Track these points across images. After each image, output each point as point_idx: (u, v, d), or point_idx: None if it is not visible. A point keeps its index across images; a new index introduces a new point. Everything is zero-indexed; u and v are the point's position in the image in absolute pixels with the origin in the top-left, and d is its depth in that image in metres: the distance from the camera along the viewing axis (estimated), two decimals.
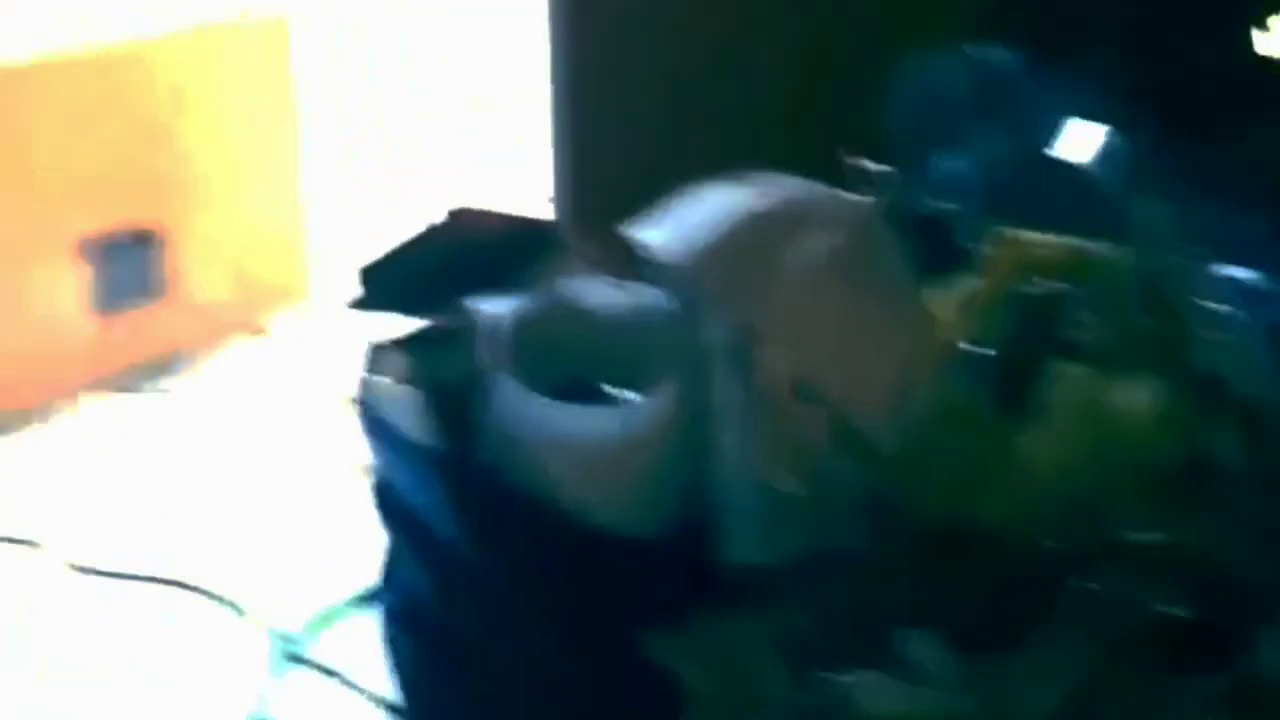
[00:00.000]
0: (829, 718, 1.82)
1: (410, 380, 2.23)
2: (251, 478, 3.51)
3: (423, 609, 2.25)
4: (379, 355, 2.29)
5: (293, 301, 4.36)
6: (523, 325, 2.17)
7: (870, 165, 2.21)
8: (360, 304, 2.39)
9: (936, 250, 2.23)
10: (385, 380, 2.24)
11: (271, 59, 4.32)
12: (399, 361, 2.26)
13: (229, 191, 4.21)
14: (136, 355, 3.98)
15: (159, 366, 4.00)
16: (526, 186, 3.97)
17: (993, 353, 2.10)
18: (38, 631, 2.93)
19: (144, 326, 4.01)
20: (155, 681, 2.79)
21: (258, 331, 4.24)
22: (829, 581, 1.98)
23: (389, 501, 2.27)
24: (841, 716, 1.82)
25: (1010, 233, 2.21)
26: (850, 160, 2.23)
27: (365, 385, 2.25)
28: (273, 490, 3.46)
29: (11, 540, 3.20)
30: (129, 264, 3.98)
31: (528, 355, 2.15)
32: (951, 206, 2.36)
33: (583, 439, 2.10)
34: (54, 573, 3.12)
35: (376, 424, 2.21)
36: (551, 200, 3.23)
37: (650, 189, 2.27)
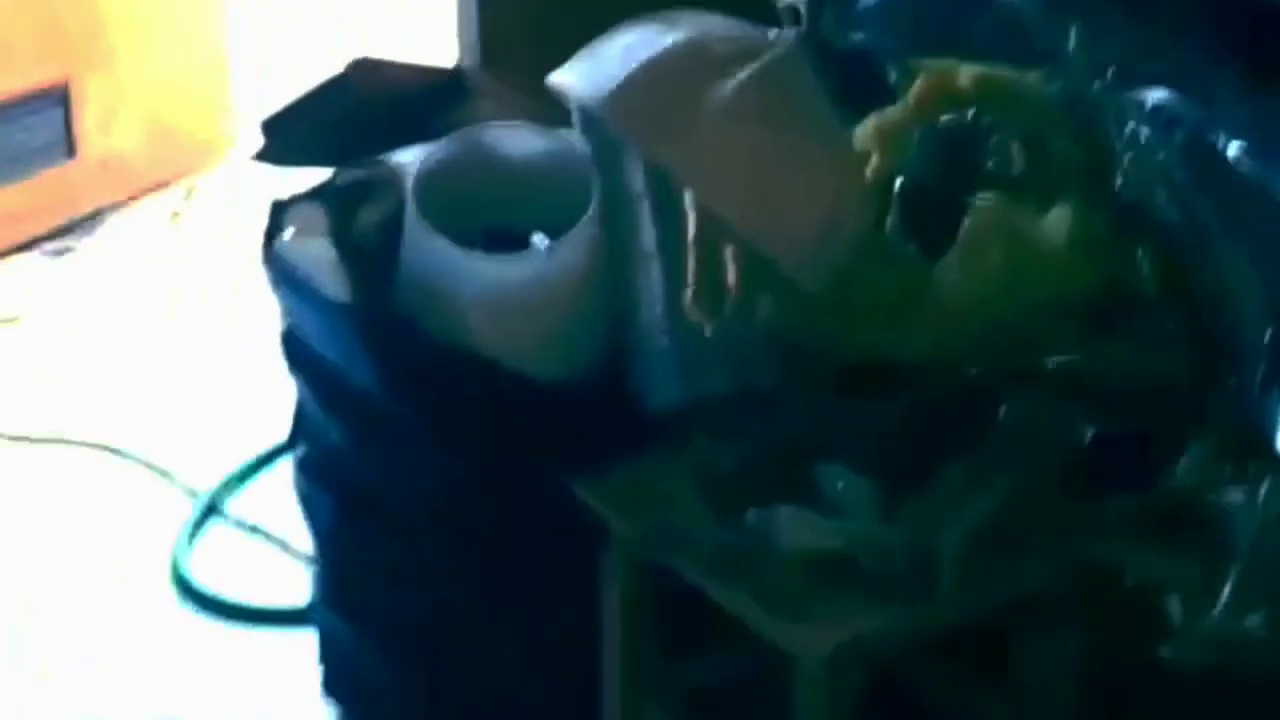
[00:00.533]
0: (750, 554, 1.81)
1: (323, 232, 2.18)
2: (171, 336, 3.46)
3: (335, 460, 2.23)
4: (289, 208, 2.24)
5: (217, 157, 4.26)
6: (436, 173, 2.12)
7: None
8: (263, 156, 2.33)
9: (859, 83, 2.19)
10: (296, 233, 2.19)
11: None
12: (311, 214, 2.22)
13: (145, 43, 4.08)
14: (50, 219, 3.88)
15: (74, 228, 3.91)
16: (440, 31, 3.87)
17: (913, 185, 2.07)
18: None
19: (56, 188, 3.91)
20: (74, 542, 2.78)
21: (176, 185, 4.15)
22: (748, 420, 1.97)
23: (300, 353, 2.23)
24: (763, 554, 1.81)
25: (932, 63, 2.17)
26: None
27: (275, 238, 2.20)
28: (193, 348, 3.41)
29: None
30: (37, 125, 3.87)
31: (443, 203, 2.09)
32: (874, 38, 2.32)
33: (499, 285, 2.06)
34: None
35: (287, 276, 2.17)
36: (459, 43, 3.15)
37: (562, 31, 2.21)
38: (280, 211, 2.22)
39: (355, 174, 2.23)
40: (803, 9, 2.19)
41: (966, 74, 1.98)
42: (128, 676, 2.50)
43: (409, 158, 2.19)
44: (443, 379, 2.05)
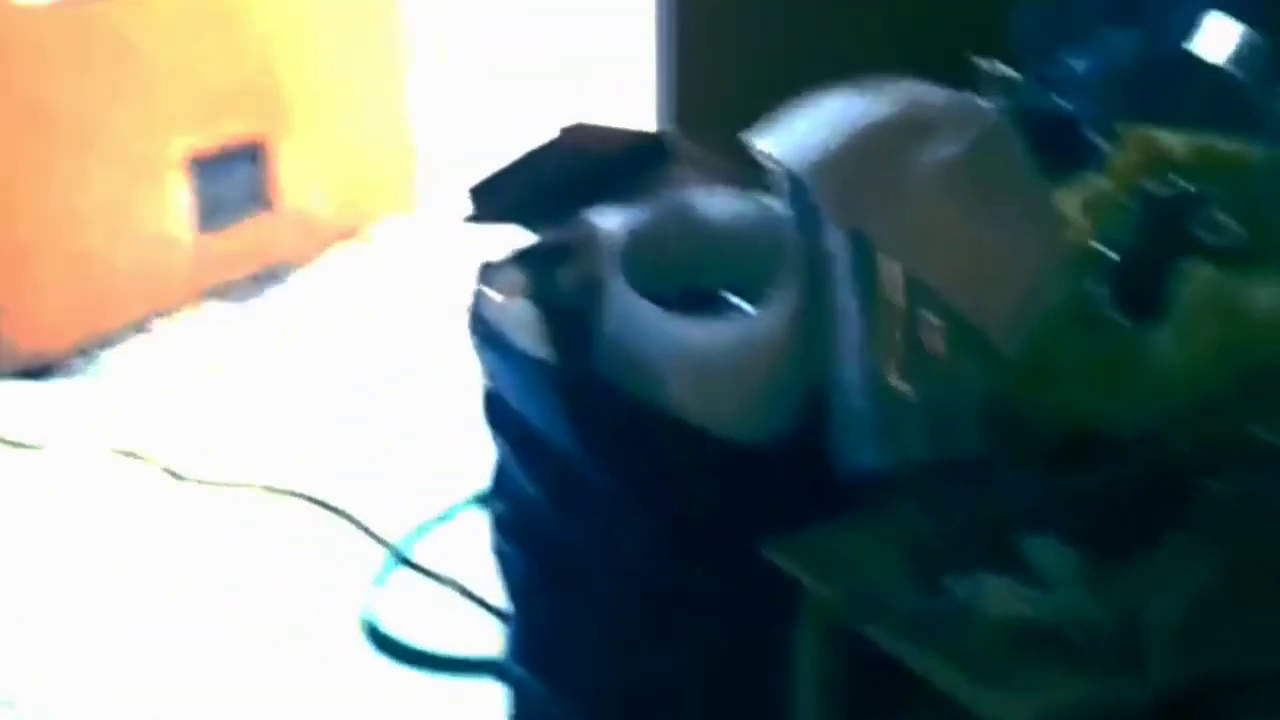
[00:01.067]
0: (951, 621, 1.80)
1: (525, 294, 2.21)
2: (356, 386, 3.53)
3: (533, 520, 2.24)
4: (492, 270, 2.28)
5: (399, 212, 4.36)
6: (638, 237, 2.15)
7: (999, 67, 2.14)
8: (473, 219, 2.38)
9: (1064, 150, 2.18)
10: (499, 295, 2.23)
11: None
12: (513, 276, 2.25)
13: (338, 104, 4.19)
14: (243, 268, 4.00)
15: (265, 278, 4.02)
16: (630, 97, 3.92)
17: (1120, 254, 2.05)
18: (152, 542, 2.97)
19: (250, 239, 4.02)
20: (266, 587, 2.83)
21: (362, 240, 4.25)
22: (951, 487, 1.96)
23: (501, 414, 2.26)
24: (964, 621, 1.79)
25: (1140, 131, 2.15)
26: (980, 62, 2.16)
27: (479, 300, 2.24)
28: (378, 398, 3.47)
29: (121, 452, 3.24)
30: (235, 178, 3.99)
31: (644, 266, 2.12)
32: (1080, 105, 2.31)
33: (701, 349, 2.08)
34: (164, 483, 3.16)
35: (490, 338, 2.20)
36: (655, 108, 3.19)
37: (762, 94, 2.22)
38: (488, 273, 2.26)
39: (556, 236, 2.26)
40: (1009, 75, 2.19)
41: (1179, 143, 1.96)
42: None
43: (609, 220, 2.22)
44: (642, 442, 2.07)
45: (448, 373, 3.40)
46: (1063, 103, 2.35)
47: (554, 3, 5.32)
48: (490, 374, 2.26)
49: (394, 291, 3.99)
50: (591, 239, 2.22)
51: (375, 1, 4.29)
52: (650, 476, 2.07)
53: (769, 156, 2.17)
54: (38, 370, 3.52)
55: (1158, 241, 2.02)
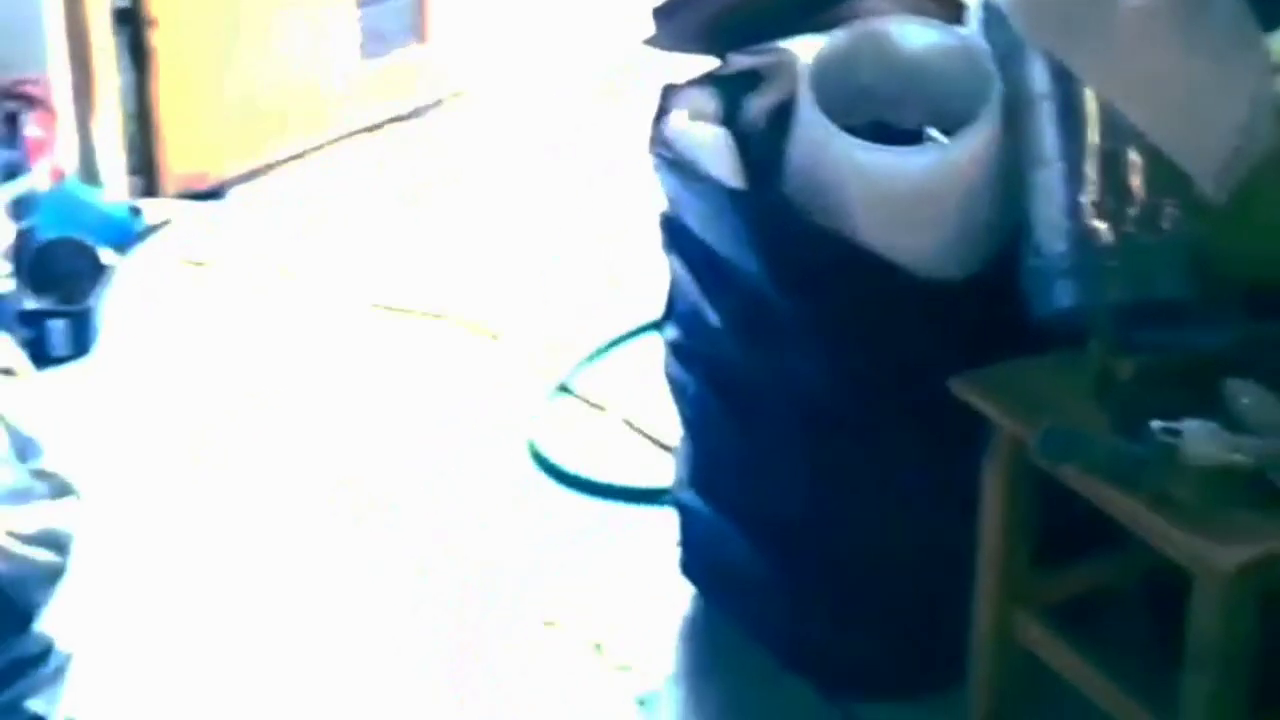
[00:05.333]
0: (1152, 464, 1.76)
1: (714, 119, 2.18)
2: (513, 217, 3.53)
3: (712, 347, 2.22)
4: (676, 93, 2.24)
5: None
6: (830, 64, 2.09)
7: None
8: (653, 42, 2.34)
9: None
10: (685, 118, 2.19)
11: None
12: (700, 100, 2.21)
13: None
14: (401, 97, 4.00)
15: (423, 108, 4.03)
16: None
17: None
18: (313, 359, 3.00)
19: (408, 69, 4.03)
20: (432, 410, 2.84)
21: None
22: (1147, 331, 1.92)
23: (681, 239, 2.23)
24: (1168, 465, 1.76)
25: None
26: None
27: (662, 122, 2.21)
28: (537, 225, 3.47)
29: (283, 273, 3.28)
30: (395, 9, 3.99)
31: (835, 96, 2.07)
32: None
33: (893, 179, 2.03)
34: (326, 304, 3.19)
35: (674, 162, 2.17)
36: None
37: None
38: (669, 95, 2.23)
39: (746, 61, 2.22)
40: None
41: None
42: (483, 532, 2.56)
43: (801, 47, 2.17)
44: (828, 272, 2.03)
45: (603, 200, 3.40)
46: None
47: None
48: (672, 198, 2.23)
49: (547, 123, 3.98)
50: (784, 65, 2.18)
51: None
52: (837, 309, 2.05)
53: None
54: (204, 194, 3.54)
55: None
